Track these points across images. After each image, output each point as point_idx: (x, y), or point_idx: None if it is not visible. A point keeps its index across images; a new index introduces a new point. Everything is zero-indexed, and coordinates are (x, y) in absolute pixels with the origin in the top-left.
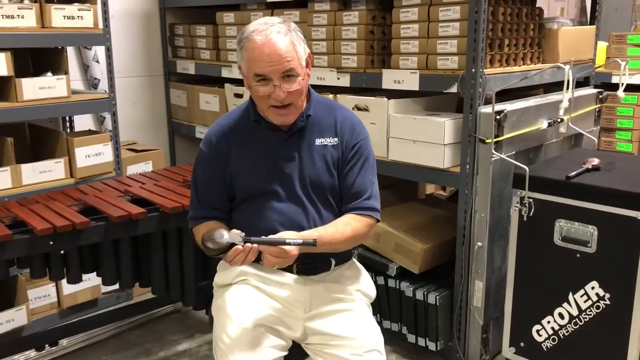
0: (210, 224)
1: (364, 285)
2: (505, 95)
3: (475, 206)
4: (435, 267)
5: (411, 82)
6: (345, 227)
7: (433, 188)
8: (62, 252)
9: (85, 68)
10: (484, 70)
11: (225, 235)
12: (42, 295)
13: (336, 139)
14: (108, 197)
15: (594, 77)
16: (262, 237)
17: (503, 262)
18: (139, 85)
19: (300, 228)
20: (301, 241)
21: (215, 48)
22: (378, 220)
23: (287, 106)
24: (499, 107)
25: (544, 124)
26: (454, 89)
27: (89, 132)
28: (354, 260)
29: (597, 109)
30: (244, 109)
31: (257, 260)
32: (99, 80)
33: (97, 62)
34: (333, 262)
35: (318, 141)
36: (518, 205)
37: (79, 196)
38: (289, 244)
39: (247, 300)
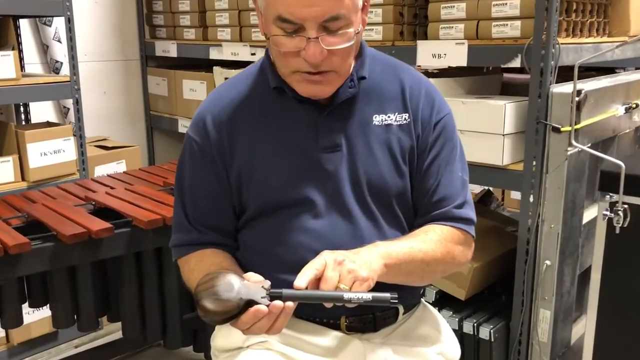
0: (206, 257)
1: (447, 344)
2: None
3: (544, 214)
4: (482, 290)
5: (457, 55)
6: (438, 244)
7: None
8: None
9: (44, 49)
10: (557, 38)
11: (237, 286)
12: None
13: (406, 116)
14: (62, 207)
15: None
16: (297, 288)
17: (572, 284)
18: (110, 72)
19: None
20: (370, 297)
21: (201, 25)
22: (474, 238)
23: (324, 72)
24: (578, 85)
25: (619, 110)
26: (515, 63)
27: (47, 125)
28: (424, 301)
29: None
30: (255, 72)
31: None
32: (62, 63)
33: (59, 41)
34: (401, 309)
35: (377, 119)
36: (608, 212)
37: (23, 206)
38: (348, 300)
39: None
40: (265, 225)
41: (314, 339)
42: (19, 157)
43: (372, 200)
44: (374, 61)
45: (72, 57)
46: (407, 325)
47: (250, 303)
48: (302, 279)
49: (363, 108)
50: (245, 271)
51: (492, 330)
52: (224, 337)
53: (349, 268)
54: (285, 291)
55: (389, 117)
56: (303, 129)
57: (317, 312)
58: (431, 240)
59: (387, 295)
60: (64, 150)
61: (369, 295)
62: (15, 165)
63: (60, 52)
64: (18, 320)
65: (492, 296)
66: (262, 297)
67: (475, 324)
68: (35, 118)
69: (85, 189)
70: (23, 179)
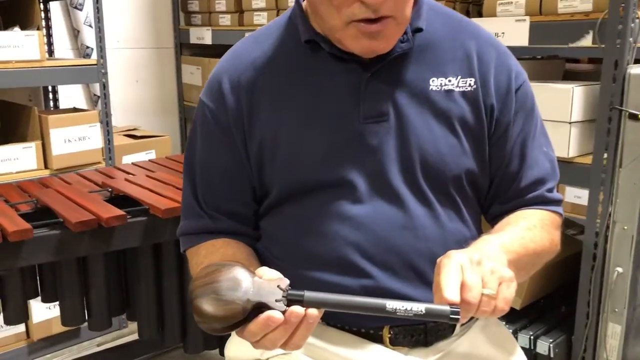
0: (219, 248)
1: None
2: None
3: (615, 215)
4: (538, 299)
5: (517, 34)
6: (544, 231)
7: None
8: None
9: (75, 34)
10: (638, 11)
11: (245, 284)
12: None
13: (471, 81)
14: (74, 193)
15: None
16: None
17: None
18: (142, 59)
19: (397, 254)
20: (422, 309)
21: (237, 10)
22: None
23: (383, 19)
24: None
25: None
26: (585, 41)
27: (74, 111)
28: None
29: None
30: (283, 25)
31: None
32: (92, 49)
33: (91, 26)
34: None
35: (435, 83)
36: None
37: (36, 192)
38: (392, 311)
39: None
40: (292, 211)
41: (349, 353)
42: (42, 143)
43: (425, 183)
44: (433, 12)
45: (100, 39)
46: (467, 340)
47: (261, 307)
48: (452, 290)
49: (417, 69)
50: (268, 267)
51: (551, 345)
52: (238, 345)
53: (490, 267)
54: (308, 294)
55: (449, 81)
56: (341, 93)
57: (354, 319)
58: (536, 228)
59: (446, 308)
60: (89, 138)
61: (420, 307)
62: (38, 151)
63: (91, 37)
64: (21, 316)
65: (549, 306)
66: (276, 301)
67: (532, 337)
68: (64, 106)
69: (106, 176)
70: (46, 167)
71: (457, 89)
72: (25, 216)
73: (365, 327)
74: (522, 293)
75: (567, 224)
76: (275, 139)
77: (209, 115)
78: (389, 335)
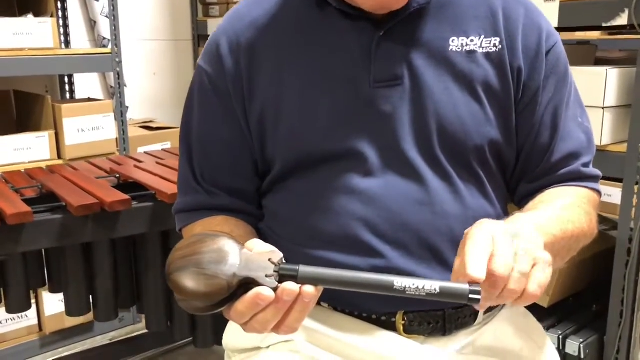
0: (215, 226)
1: (548, 356)
2: None
3: None
4: (567, 296)
5: (546, 14)
6: (582, 211)
7: None
8: None
9: (92, 25)
10: None
11: (232, 257)
12: (16, 315)
13: (496, 41)
14: (80, 178)
15: None
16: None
17: None
18: (160, 52)
19: (412, 232)
20: (437, 287)
21: None
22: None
23: None
24: None
25: None
26: (620, 20)
27: (88, 101)
28: None
29: None
30: None
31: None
32: (109, 40)
33: (107, 17)
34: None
35: (455, 43)
36: None
37: (42, 177)
38: (400, 290)
39: None
40: (296, 186)
41: (358, 342)
42: (56, 133)
43: (443, 155)
44: None
45: (114, 28)
46: (491, 331)
47: (250, 284)
48: (478, 266)
49: (436, 27)
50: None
51: (582, 345)
52: (235, 333)
53: (525, 246)
54: (304, 269)
55: (471, 41)
56: (350, 54)
57: (363, 303)
58: (573, 207)
59: (465, 286)
60: (103, 128)
61: (434, 285)
62: (52, 141)
63: (107, 28)
64: (24, 304)
65: (579, 305)
66: (267, 276)
67: (560, 336)
68: (80, 96)
69: (117, 164)
70: (59, 157)
71: (480, 50)
72: (29, 201)
73: (376, 312)
74: (550, 290)
75: (599, 220)
76: (277, 105)
77: (207, 80)
78: (403, 322)
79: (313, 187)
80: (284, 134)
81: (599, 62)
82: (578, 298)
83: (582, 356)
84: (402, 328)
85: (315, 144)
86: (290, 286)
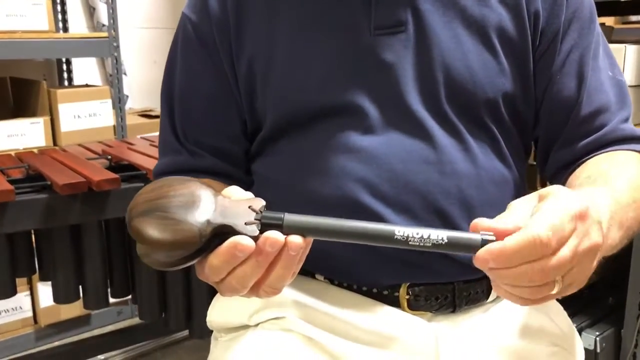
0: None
1: (568, 342)
2: None
3: None
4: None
5: None
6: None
7: None
8: None
9: (91, 12)
10: None
11: (205, 202)
12: (10, 307)
13: None
14: (70, 159)
15: None
16: (313, 216)
17: None
18: (160, 40)
19: (418, 193)
20: (444, 237)
21: None
22: None
23: None
24: None
25: None
26: None
27: (85, 87)
28: None
29: None
30: None
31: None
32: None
33: (106, 3)
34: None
35: None
36: None
37: (30, 159)
38: (403, 240)
39: None
40: (289, 147)
41: (357, 319)
42: (51, 119)
43: (451, 109)
44: None
45: (112, 11)
46: (506, 307)
47: (226, 233)
48: (507, 218)
49: None
50: None
51: (598, 339)
52: (221, 310)
53: (586, 227)
54: (290, 216)
55: None
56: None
57: (363, 275)
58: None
59: (477, 237)
60: (100, 114)
61: (442, 235)
62: (47, 127)
63: (106, 14)
64: (8, 290)
65: (594, 297)
66: (247, 224)
67: (576, 329)
68: (80, 82)
69: (109, 147)
70: (55, 144)
71: None
72: (15, 182)
73: (377, 285)
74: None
75: None
76: (267, 55)
77: (190, 29)
78: (408, 297)
79: (306, 147)
80: (275, 86)
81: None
82: (593, 290)
83: (598, 350)
84: (406, 303)
85: (309, 97)
86: (273, 234)
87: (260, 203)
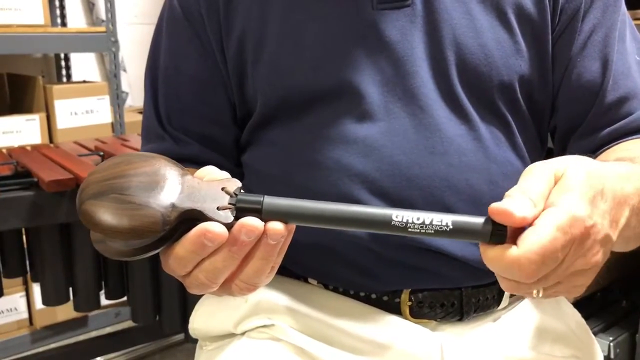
0: None
1: (587, 351)
2: None
3: None
4: (594, 291)
5: None
6: None
7: None
8: None
9: (90, 7)
10: None
11: (170, 182)
12: (5, 309)
13: None
14: (60, 155)
15: None
16: (298, 200)
17: None
18: None
19: (422, 189)
20: (449, 222)
21: None
22: None
23: None
24: None
25: None
26: None
27: (83, 83)
28: None
29: None
30: None
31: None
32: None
33: None
34: None
35: None
36: None
37: (19, 155)
38: (401, 226)
39: None
40: (280, 137)
41: (355, 328)
42: (47, 116)
43: (464, 92)
44: None
45: (110, 5)
46: (518, 316)
47: (194, 219)
48: (520, 202)
49: None
50: None
51: (612, 344)
52: (205, 316)
53: (598, 214)
54: (270, 199)
55: None
56: None
57: (360, 279)
58: None
59: (488, 225)
60: (97, 111)
61: (446, 220)
62: (43, 124)
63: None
64: None
65: (607, 300)
66: (219, 209)
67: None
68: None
69: (102, 143)
70: (51, 141)
71: None
72: (1, 178)
73: (377, 291)
74: None
75: None
76: (259, 32)
77: (177, 4)
78: (410, 304)
79: (299, 137)
80: (267, 66)
81: None
82: (606, 293)
83: (612, 356)
84: (408, 311)
85: (303, 78)
86: (250, 221)
87: (235, 184)
